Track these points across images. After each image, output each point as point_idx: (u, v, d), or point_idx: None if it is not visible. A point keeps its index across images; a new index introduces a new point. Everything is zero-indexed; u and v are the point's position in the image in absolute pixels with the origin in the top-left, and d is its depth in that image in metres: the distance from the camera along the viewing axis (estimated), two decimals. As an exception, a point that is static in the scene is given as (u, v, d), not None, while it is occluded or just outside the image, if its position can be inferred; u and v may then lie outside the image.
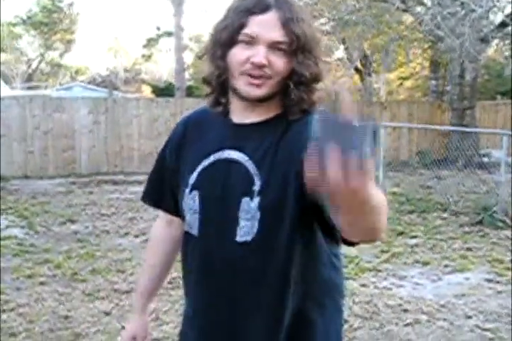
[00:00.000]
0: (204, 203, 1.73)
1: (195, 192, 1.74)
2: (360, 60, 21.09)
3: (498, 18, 14.72)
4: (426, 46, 18.16)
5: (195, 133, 1.84)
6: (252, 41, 1.62)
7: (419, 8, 14.61)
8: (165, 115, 13.94)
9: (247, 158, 1.68)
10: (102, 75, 38.82)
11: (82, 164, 13.47)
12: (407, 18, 16.49)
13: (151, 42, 37.01)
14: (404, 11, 14.90)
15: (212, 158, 1.74)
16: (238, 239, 1.67)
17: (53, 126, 13.17)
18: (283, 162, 1.64)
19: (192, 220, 1.75)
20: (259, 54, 1.60)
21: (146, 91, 35.85)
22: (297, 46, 1.62)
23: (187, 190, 1.75)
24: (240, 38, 1.63)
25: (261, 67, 1.61)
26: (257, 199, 1.64)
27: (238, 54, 1.63)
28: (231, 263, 1.70)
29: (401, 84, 25.73)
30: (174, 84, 23.15)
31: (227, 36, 1.64)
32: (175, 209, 1.91)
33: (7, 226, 8.09)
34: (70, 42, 38.88)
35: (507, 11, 14.35)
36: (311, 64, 1.65)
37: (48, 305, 5.13)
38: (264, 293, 1.70)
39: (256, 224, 1.65)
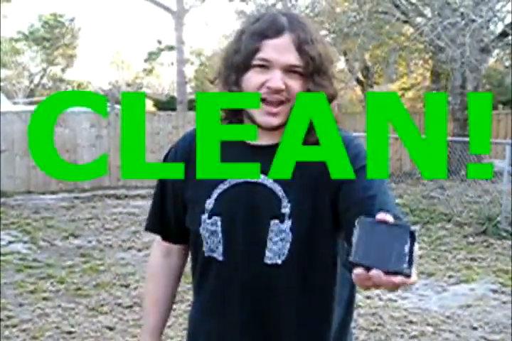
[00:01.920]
0: (228, 228, 1.69)
1: (216, 218, 1.69)
2: (362, 72, 21.11)
3: (498, 27, 14.76)
4: (427, 57, 18.18)
5: None
6: (267, 65, 1.60)
7: (419, 19, 14.62)
8: (167, 128, 13.94)
9: (270, 180, 1.65)
10: (104, 89, 38.89)
11: (84, 178, 13.43)
12: (408, 29, 16.52)
13: (152, 56, 37.06)
14: (405, 22, 14.93)
15: (230, 182, 1.70)
16: (267, 261, 1.66)
17: (55, 141, 13.14)
18: (312, 184, 1.64)
19: (214, 245, 1.71)
20: (276, 78, 1.58)
21: (148, 105, 35.90)
22: (313, 68, 1.60)
23: (204, 216, 1.71)
24: (255, 62, 1.60)
25: (278, 91, 1.59)
26: (288, 222, 1.63)
27: (253, 79, 1.61)
28: (262, 284, 1.68)
29: (403, 95, 25.70)
30: (176, 97, 23.20)
31: (241, 61, 1.62)
32: (177, 236, 1.89)
33: (10, 242, 8.07)
34: (71, 57, 38.97)
35: (507, 20, 14.37)
36: (327, 84, 1.64)
37: (52, 321, 5.12)
38: (307, 313, 1.70)
39: (287, 246, 1.63)
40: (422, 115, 17.42)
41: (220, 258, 1.71)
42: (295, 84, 1.60)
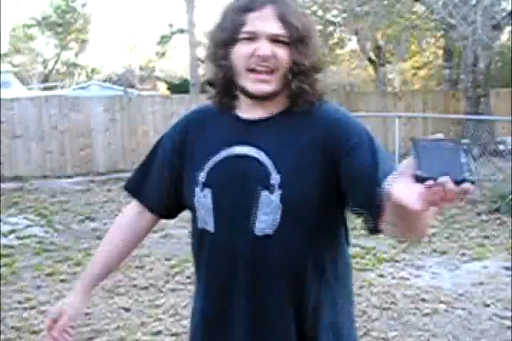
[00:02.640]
0: (218, 200, 1.73)
1: (208, 190, 1.74)
2: (374, 51, 21.01)
3: (510, 4, 14.59)
4: (438, 35, 18.05)
5: (199, 130, 1.83)
6: (253, 37, 1.66)
7: (430, -3, 14.54)
8: (180, 111, 13.95)
9: (261, 153, 1.70)
10: (117, 74, 38.92)
11: (99, 162, 13.52)
12: (419, 8, 16.41)
13: (164, 40, 37.01)
14: (416, 0, 14.83)
15: (222, 155, 1.74)
16: (257, 232, 1.68)
17: (70, 126, 13.24)
18: (301, 156, 1.68)
19: (207, 217, 1.75)
20: (264, 47, 1.65)
21: (162, 88, 35.92)
22: (296, 37, 1.66)
23: (197, 188, 1.75)
24: (241, 36, 1.67)
25: (267, 59, 1.65)
26: (278, 193, 1.66)
27: (242, 50, 1.67)
28: (253, 256, 1.70)
29: (415, 73, 25.55)
30: (189, 80, 23.18)
31: (228, 36, 1.68)
32: (154, 205, 1.94)
33: (27, 225, 8.18)
34: (84, 41, 39.02)
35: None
36: (310, 53, 1.69)
37: (69, 303, 5.18)
38: (289, 283, 1.72)
39: (278, 217, 1.67)
40: (434, 94, 17.38)
41: (212, 230, 1.75)
42: (281, 52, 1.65)
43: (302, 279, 1.72)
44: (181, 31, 30.96)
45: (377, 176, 1.49)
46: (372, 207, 1.48)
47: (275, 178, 1.67)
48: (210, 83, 1.79)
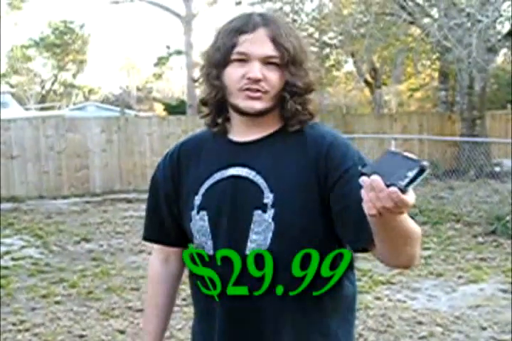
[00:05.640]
0: (214, 222, 1.72)
1: (204, 212, 1.74)
2: (370, 73, 21.12)
3: (505, 27, 14.74)
4: (434, 57, 18.18)
5: (192, 156, 1.84)
6: (245, 59, 1.67)
7: (426, 20, 14.65)
8: (177, 132, 14.00)
9: (254, 173, 1.70)
10: (114, 94, 39.06)
11: (96, 183, 13.52)
12: (415, 30, 16.54)
13: (161, 61, 37.20)
14: (411, 23, 14.95)
15: (216, 177, 1.75)
16: (248, 252, 1.67)
17: (67, 146, 13.25)
18: (294, 176, 1.68)
19: (203, 240, 1.74)
20: (254, 69, 1.66)
21: (159, 109, 36.04)
22: (288, 59, 1.68)
23: (193, 212, 1.76)
24: (233, 57, 1.68)
25: (257, 81, 1.66)
26: (271, 212, 1.66)
27: (233, 72, 1.68)
28: (246, 276, 1.68)
29: (411, 95, 25.67)
30: (186, 101, 23.27)
31: (220, 57, 1.70)
32: (176, 240, 1.90)
33: (22, 246, 8.14)
34: (82, 62, 39.22)
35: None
36: (303, 75, 1.71)
37: (63, 325, 5.16)
38: (285, 304, 1.70)
39: (269, 236, 1.66)
40: (430, 115, 17.46)
41: (210, 252, 1.73)
42: (273, 75, 1.67)
43: (301, 299, 1.70)
44: (179, 53, 31.13)
45: None
46: (360, 232, 1.54)
47: (269, 198, 1.68)
48: (204, 102, 1.81)
